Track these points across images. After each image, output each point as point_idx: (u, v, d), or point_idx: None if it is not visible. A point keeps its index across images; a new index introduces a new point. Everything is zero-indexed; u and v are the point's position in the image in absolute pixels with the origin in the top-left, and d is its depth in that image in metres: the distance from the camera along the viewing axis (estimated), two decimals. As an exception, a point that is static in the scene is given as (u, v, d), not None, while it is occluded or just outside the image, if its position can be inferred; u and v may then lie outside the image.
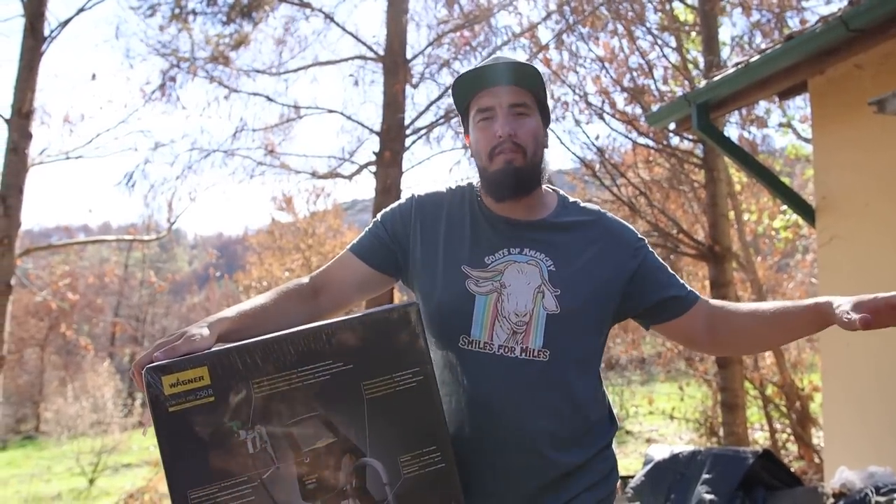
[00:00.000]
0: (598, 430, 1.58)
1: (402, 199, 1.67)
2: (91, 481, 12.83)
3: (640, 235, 1.64)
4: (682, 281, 1.63)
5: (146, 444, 15.28)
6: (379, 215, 1.67)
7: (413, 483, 1.29)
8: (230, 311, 1.44)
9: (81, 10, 7.89)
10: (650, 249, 1.63)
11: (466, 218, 1.59)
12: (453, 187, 1.66)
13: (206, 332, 1.34)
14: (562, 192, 1.67)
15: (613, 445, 1.64)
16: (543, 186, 1.61)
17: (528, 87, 1.54)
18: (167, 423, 1.22)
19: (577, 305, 1.50)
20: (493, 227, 1.57)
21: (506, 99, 1.52)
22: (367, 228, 1.67)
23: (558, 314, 1.49)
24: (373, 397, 1.30)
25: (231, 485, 1.23)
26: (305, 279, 1.64)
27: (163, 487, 9.42)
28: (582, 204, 1.65)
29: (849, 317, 1.28)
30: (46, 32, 7.44)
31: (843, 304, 1.33)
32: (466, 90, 1.56)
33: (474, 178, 1.66)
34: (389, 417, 1.30)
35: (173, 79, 9.43)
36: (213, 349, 1.29)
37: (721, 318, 1.57)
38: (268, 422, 1.25)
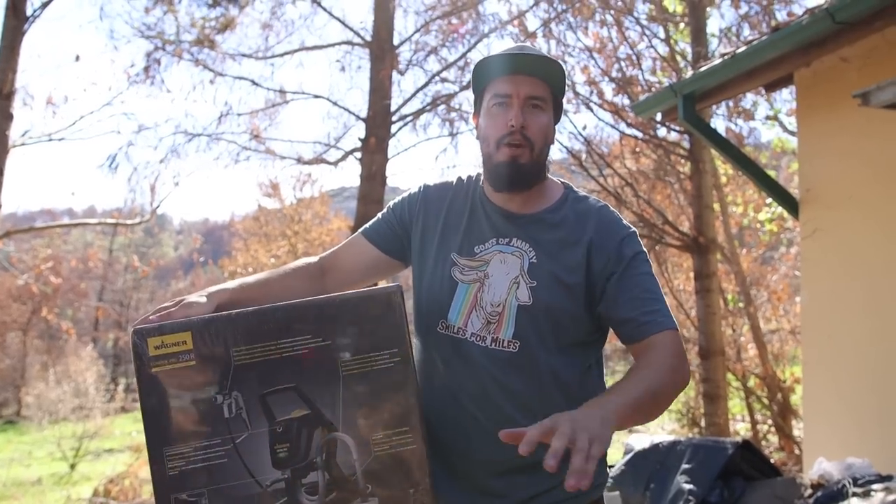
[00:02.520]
0: None
1: (414, 188, 1.70)
2: (72, 466, 12.75)
3: (637, 247, 1.52)
4: (654, 309, 1.47)
5: (128, 429, 15.23)
6: (392, 202, 1.71)
7: (382, 461, 1.31)
8: (232, 283, 1.49)
9: (65, -11, 7.76)
10: (643, 262, 1.51)
11: (466, 208, 1.61)
12: (463, 178, 1.67)
13: (203, 300, 1.38)
14: (570, 185, 1.63)
15: None
16: (550, 177, 1.61)
17: (548, 81, 1.53)
18: (149, 383, 1.27)
19: (550, 298, 1.48)
20: (488, 218, 1.58)
21: (524, 90, 1.50)
22: (380, 213, 1.71)
23: (530, 305, 1.48)
24: (349, 374, 1.31)
25: (205, 446, 1.27)
26: (315, 258, 1.69)
27: (143, 473, 9.40)
28: (590, 199, 1.58)
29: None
30: (29, 12, 7.32)
31: None
32: (488, 72, 1.54)
33: (478, 166, 1.65)
34: (364, 395, 1.31)
35: (158, 61, 9.34)
36: (200, 316, 1.33)
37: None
38: (245, 389, 1.29)
